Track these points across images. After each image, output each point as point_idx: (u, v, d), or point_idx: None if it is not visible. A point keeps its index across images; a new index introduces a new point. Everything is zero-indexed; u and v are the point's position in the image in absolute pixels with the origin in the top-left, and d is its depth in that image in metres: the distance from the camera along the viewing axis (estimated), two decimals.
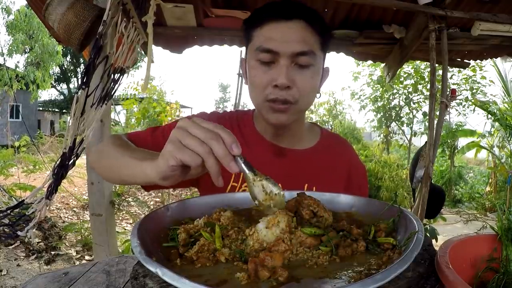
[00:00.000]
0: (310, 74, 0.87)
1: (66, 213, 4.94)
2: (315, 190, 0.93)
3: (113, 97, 1.92)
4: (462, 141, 8.10)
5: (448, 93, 2.51)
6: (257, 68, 0.88)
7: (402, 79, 7.65)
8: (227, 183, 0.94)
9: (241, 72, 4.30)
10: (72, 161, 1.59)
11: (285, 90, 0.85)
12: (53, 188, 1.57)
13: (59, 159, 1.54)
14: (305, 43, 0.85)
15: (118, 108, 10.86)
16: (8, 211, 1.63)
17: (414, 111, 8.21)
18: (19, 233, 1.59)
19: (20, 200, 1.70)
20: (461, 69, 6.05)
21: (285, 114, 0.89)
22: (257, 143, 0.99)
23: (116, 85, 1.87)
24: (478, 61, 3.61)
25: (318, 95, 0.97)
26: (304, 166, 0.99)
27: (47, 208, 1.58)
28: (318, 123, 1.13)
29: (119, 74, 1.86)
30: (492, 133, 7.53)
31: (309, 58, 0.86)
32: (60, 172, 1.54)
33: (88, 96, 1.51)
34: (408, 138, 8.46)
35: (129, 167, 0.71)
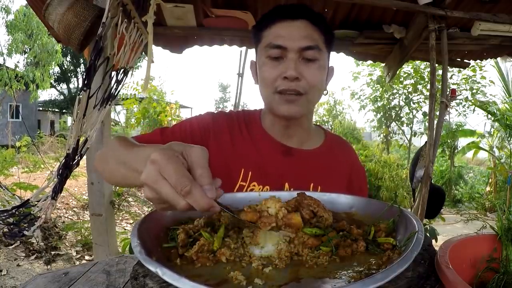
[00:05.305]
0: (316, 67, 0.92)
1: (66, 213, 4.93)
2: (320, 190, 0.95)
3: (116, 97, 1.92)
4: (462, 141, 8.10)
5: (448, 93, 2.51)
6: (267, 64, 0.93)
7: (402, 79, 7.64)
8: (235, 183, 0.95)
9: (240, 71, 4.31)
10: (76, 161, 1.60)
11: (294, 81, 0.90)
12: (58, 188, 1.58)
13: (63, 160, 1.55)
14: (311, 38, 0.91)
15: (118, 108, 10.87)
16: (14, 211, 1.63)
17: (414, 111, 8.21)
18: (25, 232, 1.59)
19: (25, 199, 1.70)
20: (461, 69, 6.05)
21: (296, 105, 0.92)
22: (264, 141, 1.01)
23: (120, 86, 1.87)
24: (478, 61, 3.61)
25: (325, 92, 1.01)
26: (310, 166, 1.00)
27: (53, 207, 1.59)
28: (318, 123, 1.14)
29: (122, 75, 1.86)
30: (492, 133, 7.52)
31: (315, 52, 0.91)
32: (65, 172, 1.55)
33: (90, 97, 1.51)
34: (408, 138, 8.45)
35: (127, 178, 0.66)
